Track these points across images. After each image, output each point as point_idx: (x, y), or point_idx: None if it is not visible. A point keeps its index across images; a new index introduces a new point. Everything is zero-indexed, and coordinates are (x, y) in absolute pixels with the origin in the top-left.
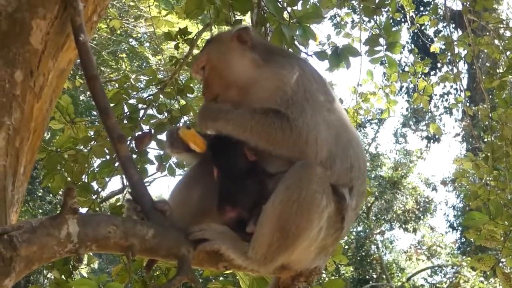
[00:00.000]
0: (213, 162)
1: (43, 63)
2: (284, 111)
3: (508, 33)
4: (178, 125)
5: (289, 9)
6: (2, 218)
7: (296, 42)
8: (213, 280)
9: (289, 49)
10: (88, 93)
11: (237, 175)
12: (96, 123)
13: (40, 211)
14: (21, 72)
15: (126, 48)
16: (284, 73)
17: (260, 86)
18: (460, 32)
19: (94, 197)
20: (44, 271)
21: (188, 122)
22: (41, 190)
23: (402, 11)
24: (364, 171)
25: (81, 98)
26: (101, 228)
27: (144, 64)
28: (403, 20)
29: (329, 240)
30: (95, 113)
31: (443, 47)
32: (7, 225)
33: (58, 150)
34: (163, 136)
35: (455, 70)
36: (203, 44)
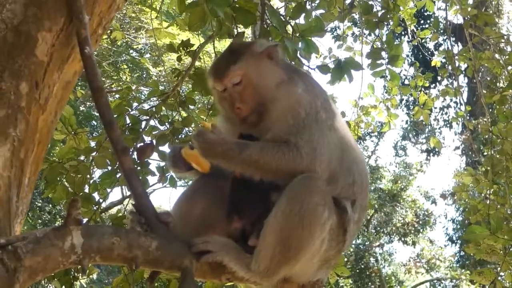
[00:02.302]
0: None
1: (48, 75)
2: (293, 137)
3: (509, 48)
4: (181, 143)
5: (292, 22)
6: (7, 229)
7: (298, 55)
8: None
9: (292, 62)
10: (88, 103)
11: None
12: (96, 133)
13: (40, 221)
14: (27, 84)
15: (127, 59)
16: (299, 93)
17: (278, 104)
18: (460, 46)
19: (95, 208)
20: (43, 282)
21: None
22: (40, 201)
23: (403, 25)
24: (366, 186)
25: (81, 108)
26: (105, 239)
27: (145, 75)
28: (404, 33)
29: (332, 252)
30: (94, 123)
31: (444, 61)
32: (12, 236)
33: (60, 161)
34: (165, 148)
35: (455, 84)
36: (207, 57)
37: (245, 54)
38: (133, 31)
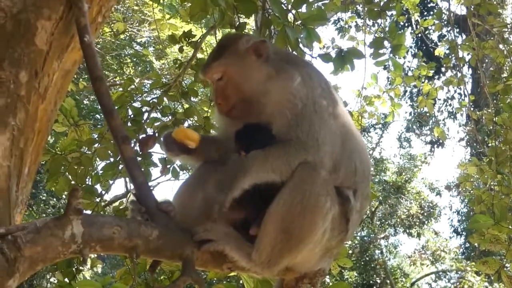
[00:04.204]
0: (242, 148)
1: (48, 64)
2: (293, 131)
3: None
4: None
5: (293, 11)
6: (7, 218)
7: (300, 45)
8: (217, 284)
9: (294, 52)
10: (92, 96)
11: None
12: (100, 126)
13: (44, 215)
14: (26, 72)
15: (130, 53)
16: (294, 86)
17: (270, 99)
18: (464, 37)
19: (97, 200)
20: (47, 276)
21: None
22: (44, 194)
23: (406, 15)
24: (368, 174)
25: (84, 102)
26: (105, 229)
27: (148, 68)
28: (407, 24)
29: (334, 242)
30: (98, 116)
31: (447, 51)
32: (11, 225)
33: (62, 153)
34: None
35: (459, 74)
36: (210, 47)
37: (227, 51)
38: (136, 24)
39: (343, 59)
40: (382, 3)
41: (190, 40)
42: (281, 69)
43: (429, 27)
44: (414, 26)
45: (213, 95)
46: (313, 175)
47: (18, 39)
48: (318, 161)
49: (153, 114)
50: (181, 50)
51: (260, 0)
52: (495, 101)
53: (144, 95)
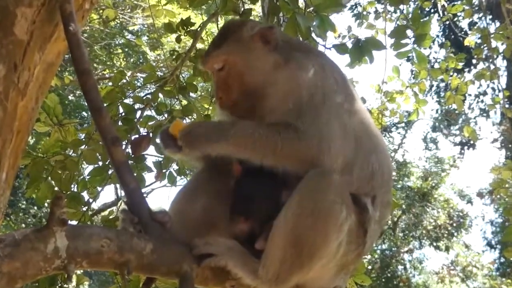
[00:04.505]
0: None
1: (28, 56)
2: (293, 120)
3: None
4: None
5: None
6: None
7: (312, 34)
8: None
9: (305, 41)
10: (78, 92)
11: (261, 170)
12: (87, 125)
13: (23, 225)
14: (4, 66)
15: (121, 42)
16: (301, 75)
17: (275, 90)
18: (497, 24)
19: (84, 209)
20: None
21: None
22: (24, 202)
23: (432, 0)
24: (388, 179)
25: (69, 97)
26: (93, 241)
27: (141, 60)
28: (433, 10)
29: (350, 256)
30: (85, 114)
31: (479, 40)
32: None
33: (44, 155)
34: None
35: (492, 67)
36: (211, 37)
37: (231, 38)
38: (128, 10)
39: (361, 50)
40: None
41: (188, 29)
42: (290, 58)
43: (458, 14)
44: (440, 12)
45: (213, 89)
46: (325, 181)
47: None
48: (321, 158)
49: (147, 112)
50: (178, 40)
51: None
52: None
53: (137, 90)
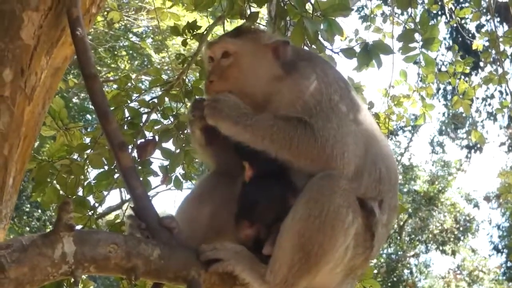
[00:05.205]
0: (247, 158)
1: (35, 60)
2: (308, 119)
3: None
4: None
5: (312, 0)
6: None
7: (320, 38)
8: None
9: (312, 46)
10: (82, 94)
11: (271, 172)
12: (90, 129)
13: (27, 229)
14: (11, 70)
15: (125, 45)
16: (305, 83)
17: (280, 96)
18: (506, 28)
19: (90, 213)
20: None
21: None
22: (28, 205)
23: (440, 3)
24: (395, 183)
25: (74, 100)
26: (100, 247)
27: (146, 62)
28: (440, 13)
29: (358, 260)
30: (89, 117)
31: (487, 44)
32: None
33: (50, 159)
34: (168, 144)
35: (500, 70)
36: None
37: (249, 36)
38: (133, 12)
39: (369, 54)
40: None
41: (194, 32)
42: (292, 69)
43: (466, 17)
44: (448, 15)
45: (206, 74)
46: (332, 184)
47: (1, 33)
48: (334, 161)
49: (153, 116)
50: (184, 43)
51: None
52: None
53: (142, 93)
